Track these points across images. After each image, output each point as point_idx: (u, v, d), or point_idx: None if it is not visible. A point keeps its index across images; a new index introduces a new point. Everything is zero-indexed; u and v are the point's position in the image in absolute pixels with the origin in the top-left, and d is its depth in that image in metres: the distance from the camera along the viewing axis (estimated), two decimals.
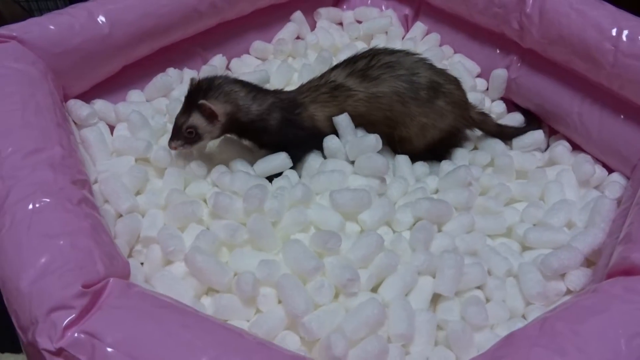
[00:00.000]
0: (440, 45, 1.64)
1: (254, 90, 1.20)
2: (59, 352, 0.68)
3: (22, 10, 1.46)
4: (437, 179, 1.25)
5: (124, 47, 1.29)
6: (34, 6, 2.04)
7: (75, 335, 0.69)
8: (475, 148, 1.39)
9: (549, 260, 1.02)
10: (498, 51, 1.53)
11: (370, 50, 1.29)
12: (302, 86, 1.30)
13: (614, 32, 1.22)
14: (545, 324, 0.72)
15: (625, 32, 1.21)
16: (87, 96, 1.30)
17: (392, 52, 1.27)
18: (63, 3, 1.98)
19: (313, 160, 1.21)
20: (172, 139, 1.14)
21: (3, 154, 0.90)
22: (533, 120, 1.45)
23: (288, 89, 1.34)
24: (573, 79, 1.36)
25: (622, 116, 1.29)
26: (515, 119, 1.47)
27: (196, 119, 1.12)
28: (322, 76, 1.28)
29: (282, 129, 1.20)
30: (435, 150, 1.31)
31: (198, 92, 1.13)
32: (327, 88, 1.24)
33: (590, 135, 1.34)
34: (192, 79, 1.17)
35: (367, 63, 1.24)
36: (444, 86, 1.26)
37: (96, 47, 1.23)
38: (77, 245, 0.78)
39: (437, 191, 1.24)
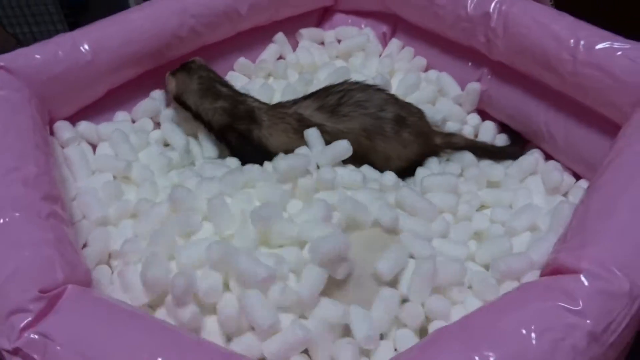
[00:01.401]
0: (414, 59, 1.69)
1: (213, 88, 1.37)
2: (16, 351, 0.75)
3: (15, 41, 1.57)
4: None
5: (107, 72, 1.37)
6: (38, 35, 2.18)
7: (30, 336, 0.76)
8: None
9: (497, 264, 1.05)
10: (470, 64, 1.58)
11: (343, 84, 1.35)
12: (272, 106, 1.38)
13: (571, 42, 1.25)
14: (467, 320, 0.76)
15: (582, 42, 1.24)
16: (75, 118, 1.38)
17: (364, 88, 1.34)
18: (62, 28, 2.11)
19: None
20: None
21: None
22: (517, 140, 1.48)
23: None
24: (539, 89, 1.40)
25: (586, 124, 1.32)
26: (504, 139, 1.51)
27: (169, 86, 1.41)
28: (291, 104, 1.36)
29: (225, 133, 1.35)
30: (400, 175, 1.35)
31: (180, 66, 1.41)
32: (292, 119, 1.32)
33: (557, 144, 1.37)
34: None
35: (339, 99, 1.31)
36: (408, 119, 1.33)
37: (80, 73, 1.32)
38: (39, 255, 0.86)
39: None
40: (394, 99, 1.35)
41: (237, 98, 1.37)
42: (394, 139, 1.31)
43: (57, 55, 1.30)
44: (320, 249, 0.93)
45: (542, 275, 0.87)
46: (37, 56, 1.28)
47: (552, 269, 0.84)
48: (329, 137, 1.28)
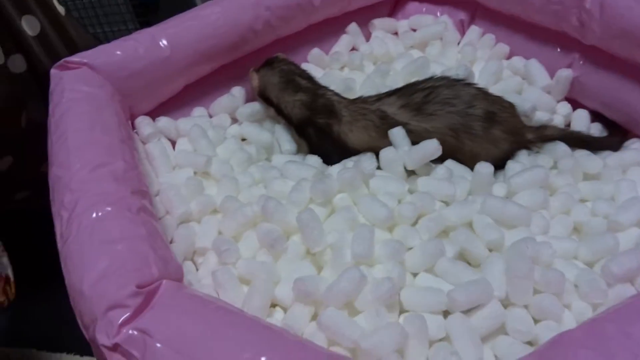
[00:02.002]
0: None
1: (293, 81, 1.34)
2: (115, 347, 0.74)
3: (94, 39, 1.59)
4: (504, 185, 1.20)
5: (184, 67, 1.37)
6: (110, 34, 2.22)
7: (130, 332, 0.74)
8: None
9: (608, 266, 0.96)
10: (559, 50, 1.48)
11: (430, 80, 1.28)
12: (352, 101, 1.33)
13: None
14: (594, 325, 0.69)
15: None
16: (154, 113, 1.39)
17: (451, 84, 1.26)
18: (134, 27, 2.15)
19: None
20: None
21: (73, 169, 0.98)
22: (615, 130, 1.37)
23: None
24: (639, 74, 1.29)
25: None
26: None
27: (253, 82, 1.39)
28: (374, 100, 1.29)
29: (305, 128, 1.31)
30: None
31: (263, 62, 1.39)
32: (375, 116, 1.26)
33: None
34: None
35: (425, 97, 1.24)
36: (499, 115, 1.24)
37: (158, 69, 1.32)
38: (133, 250, 0.84)
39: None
40: (483, 94, 1.26)
41: (317, 91, 1.32)
42: (483, 138, 1.23)
43: (137, 51, 1.30)
44: None
45: None
46: (118, 52, 1.28)
47: None
48: (413, 137, 1.21)
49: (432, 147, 1.16)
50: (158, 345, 0.71)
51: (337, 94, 1.34)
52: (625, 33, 1.24)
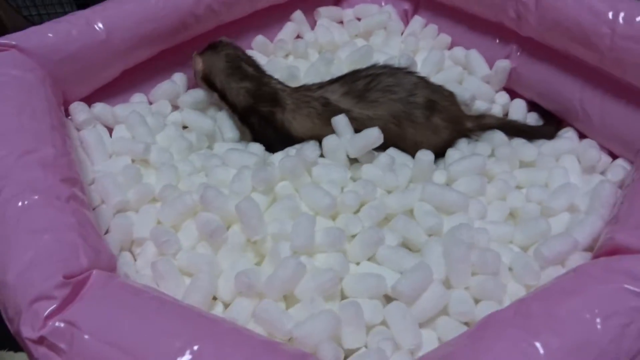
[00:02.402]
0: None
1: (239, 67, 1.32)
2: (41, 340, 0.71)
3: (24, 20, 1.51)
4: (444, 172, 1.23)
5: (122, 52, 1.32)
6: (45, 17, 2.12)
7: (56, 324, 0.71)
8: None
9: (540, 250, 1.00)
10: (497, 41, 1.52)
11: (371, 68, 1.29)
12: (296, 89, 1.32)
13: (610, 14, 1.19)
14: (522, 305, 0.71)
15: (622, 14, 1.18)
16: (91, 99, 1.33)
17: (393, 72, 1.27)
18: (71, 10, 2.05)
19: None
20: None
21: None
22: (550, 119, 1.41)
23: None
24: (573, 66, 1.33)
25: (624, 101, 1.26)
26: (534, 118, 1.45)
27: (195, 66, 1.35)
28: (317, 87, 1.29)
29: (249, 115, 1.29)
30: None
31: (207, 46, 1.35)
32: (318, 103, 1.26)
33: (592, 122, 1.32)
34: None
35: (367, 84, 1.24)
36: (440, 103, 1.26)
37: (94, 53, 1.26)
38: (61, 239, 0.81)
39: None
40: (424, 82, 1.28)
41: (262, 79, 1.31)
42: (425, 125, 1.24)
43: (71, 34, 1.24)
44: None
45: (595, 257, 0.82)
46: (50, 35, 1.23)
47: (608, 250, 0.79)
48: (356, 124, 1.22)
49: (374, 135, 1.17)
50: (86, 337, 0.69)
51: (280, 83, 1.33)
52: (559, 25, 1.28)
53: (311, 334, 0.82)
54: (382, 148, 1.23)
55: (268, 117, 1.28)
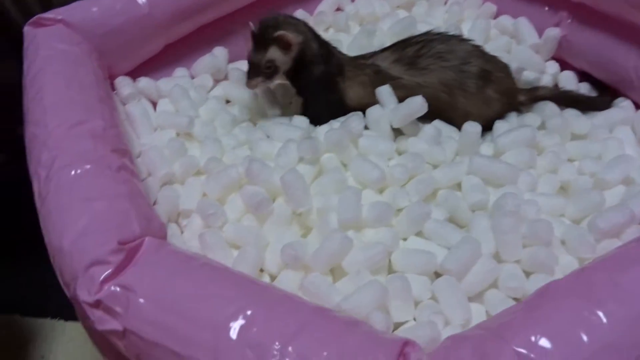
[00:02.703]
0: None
1: (318, 37, 1.24)
2: (97, 304, 0.72)
3: None
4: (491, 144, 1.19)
5: (164, 26, 1.32)
6: None
7: (112, 288, 0.72)
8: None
9: (595, 222, 0.96)
10: (546, 9, 1.46)
11: (425, 35, 1.25)
12: (353, 58, 1.29)
13: None
14: (583, 274, 0.69)
15: None
16: (134, 74, 1.35)
17: (446, 39, 1.23)
18: None
19: None
20: (250, 77, 1.20)
21: (49, 127, 0.95)
22: (603, 90, 1.36)
23: None
24: (627, 32, 1.28)
25: None
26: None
27: (273, 52, 1.17)
28: (370, 56, 1.26)
29: (318, 83, 1.24)
30: None
31: (268, 29, 1.17)
32: (370, 70, 1.23)
33: None
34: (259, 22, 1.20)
35: (418, 50, 1.21)
36: (494, 74, 1.22)
37: (137, 27, 1.27)
38: (114, 207, 0.82)
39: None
40: (479, 52, 1.24)
41: (331, 48, 1.27)
42: (477, 96, 1.20)
43: (114, 8, 1.25)
44: None
45: None
46: (94, 9, 1.24)
47: None
48: (405, 92, 1.18)
49: (417, 104, 1.14)
50: (141, 300, 0.70)
51: (341, 52, 1.30)
52: None
53: (359, 305, 0.81)
54: (430, 118, 1.20)
55: (333, 86, 1.25)
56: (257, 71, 1.19)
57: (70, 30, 1.19)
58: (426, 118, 1.18)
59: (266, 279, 0.98)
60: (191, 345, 0.66)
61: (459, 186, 1.09)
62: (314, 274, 0.90)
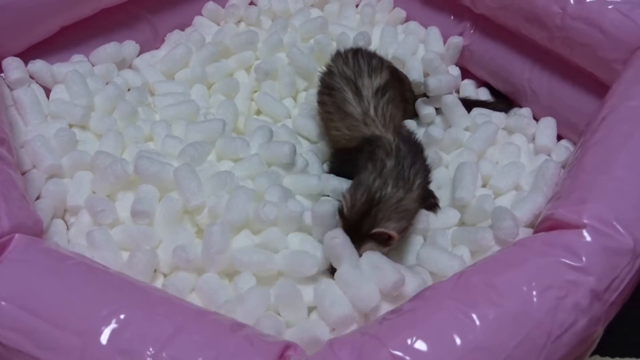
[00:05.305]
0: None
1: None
2: None
3: None
4: None
5: (60, 5, 1.23)
6: None
7: None
8: None
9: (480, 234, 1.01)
10: (452, 17, 1.51)
11: None
12: None
13: None
14: (461, 278, 0.71)
15: None
16: (27, 56, 1.24)
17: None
18: None
19: None
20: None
21: None
22: (503, 100, 1.42)
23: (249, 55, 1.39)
24: (523, 45, 1.34)
25: (570, 82, 1.27)
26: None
27: (369, 246, 0.92)
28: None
29: None
30: None
31: (363, 218, 0.92)
32: None
33: (539, 103, 1.33)
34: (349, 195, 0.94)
35: None
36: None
37: (30, 3, 1.18)
38: None
39: None
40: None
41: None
42: None
43: None
44: None
45: (536, 232, 0.82)
46: None
47: (549, 226, 0.79)
48: None
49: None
50: (2, 303, 0.64)
51: None
52: (512, 3, 1.28)
53: (248, 309, 0.81)
54: None
55: None
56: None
57: None
58: None
59: (160, 279, 0.94)
60: (56, 352, 0.62)
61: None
62: (207, 275, 0.88)
